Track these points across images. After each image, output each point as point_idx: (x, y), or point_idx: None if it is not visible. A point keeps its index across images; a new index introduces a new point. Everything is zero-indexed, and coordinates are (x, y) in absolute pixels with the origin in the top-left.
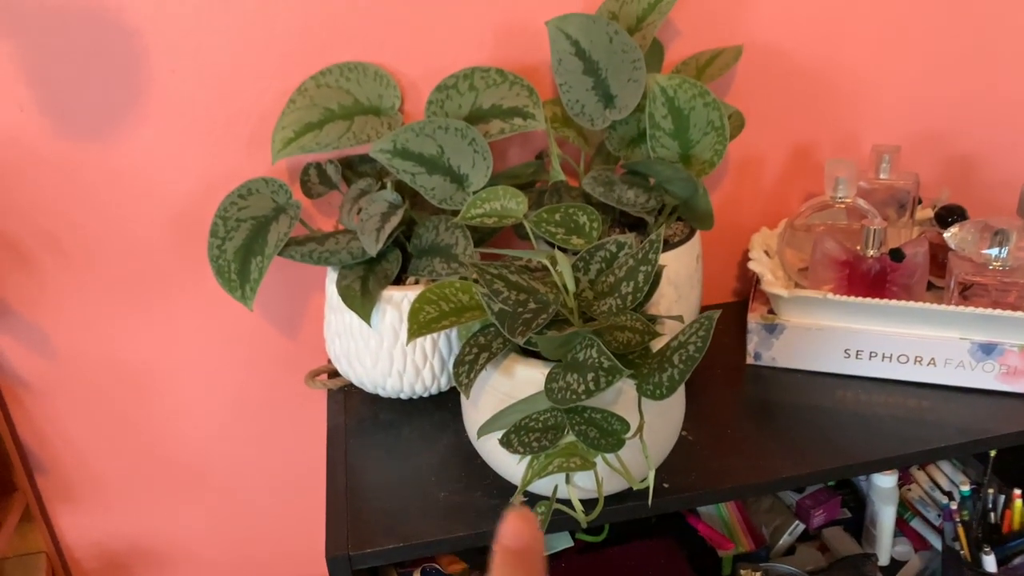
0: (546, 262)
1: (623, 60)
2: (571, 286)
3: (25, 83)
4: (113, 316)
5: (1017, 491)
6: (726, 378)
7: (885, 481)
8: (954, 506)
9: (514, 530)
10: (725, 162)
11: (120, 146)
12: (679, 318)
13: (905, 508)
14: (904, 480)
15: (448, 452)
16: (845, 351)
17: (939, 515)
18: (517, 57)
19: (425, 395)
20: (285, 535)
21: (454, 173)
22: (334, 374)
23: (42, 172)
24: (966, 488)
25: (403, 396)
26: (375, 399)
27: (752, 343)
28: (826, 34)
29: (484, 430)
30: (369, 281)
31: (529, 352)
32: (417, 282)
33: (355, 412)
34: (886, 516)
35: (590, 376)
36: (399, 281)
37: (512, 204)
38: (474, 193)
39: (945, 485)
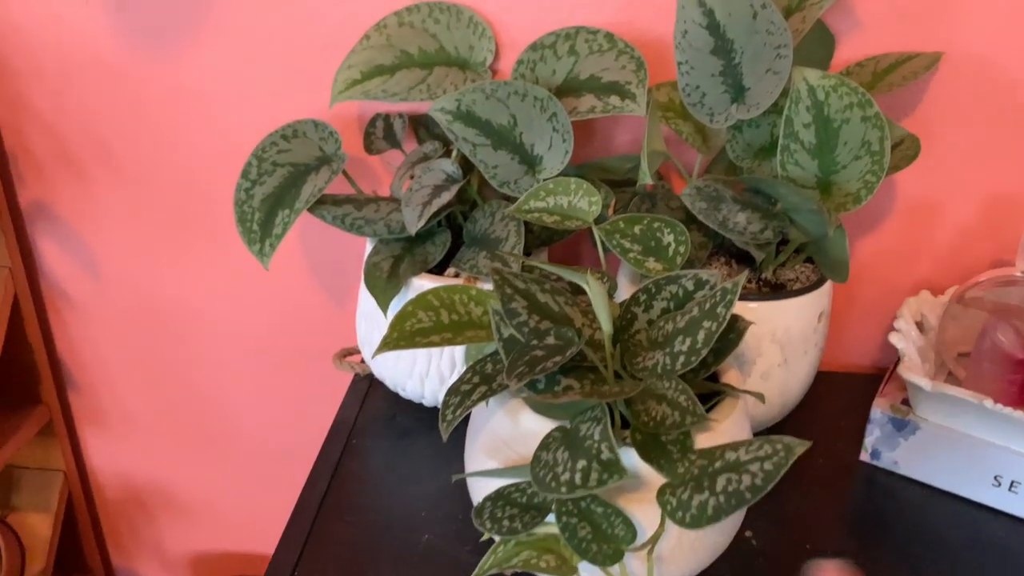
0: (583, 285)
1: (766, 44)
2: (606, 327)
3: None
4: (160, 245)
5: None
6: (828, 472)
7: None
8: None
9: None
10: (890, 197)
11: (184, 60)
12: (759, 396)
13: None
14: None
15: (452, 485)
16: (995, 478)
17: None
18: (643, 25)
19: None
20: None
21: (524, 152)
22: None
23: (101, 74)
24: None
25: (425, 403)
26: (398, 398)
27: (872, 436)
28: None
29: (466, 477)
30: (403, 263)
31: None
32: (457, 275)
33: (372, 408)
34: None
35: (580, 464)
36: (442, 270)
37: (583, 203)
38: (543, 181)
39: None
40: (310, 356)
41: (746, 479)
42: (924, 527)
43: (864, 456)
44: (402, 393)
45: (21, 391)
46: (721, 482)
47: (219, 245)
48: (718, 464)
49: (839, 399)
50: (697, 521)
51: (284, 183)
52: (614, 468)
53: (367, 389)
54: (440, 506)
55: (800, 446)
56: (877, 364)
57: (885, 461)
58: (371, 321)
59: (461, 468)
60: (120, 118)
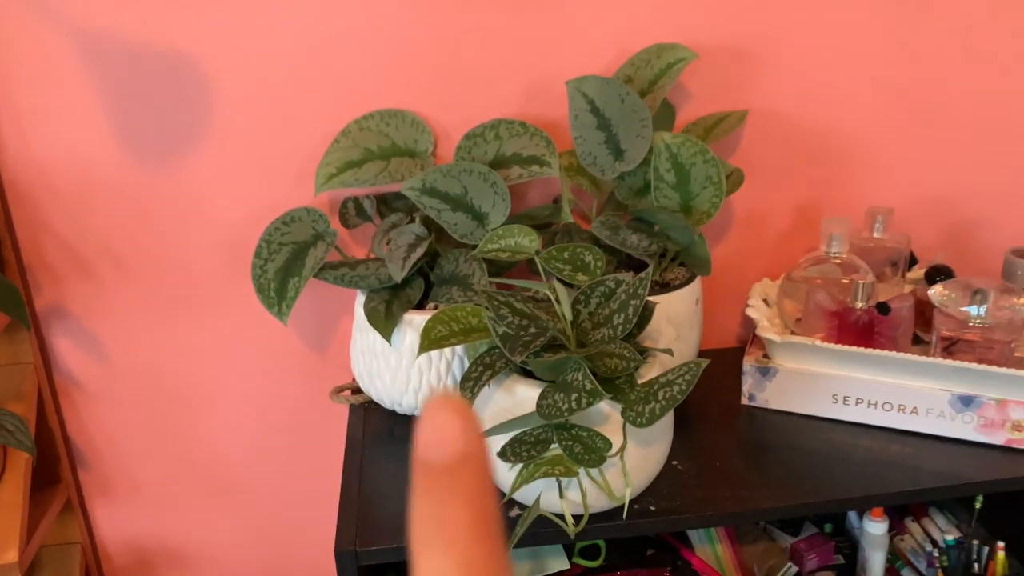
0: (549, 293)
1: (633, 119)
2: (568, 315)
3: (104, 115)
4: (164, 329)
5: (1001, 543)
6: (721, 416)
7: (876, 528)
8: (936, 553)
9: (435, 434)
10: (731, 216)
11: (182, 175)
12: (668, 351)
13: (896, 557)
14: (897, 530)
15: None
16: (833, 396)
17: (928, 566)
18: (540, 112)
19: None
20: (307, 545)
21: (476, 211)
22: (357, 391)
23: (112, 195)
24: (951, 538)
25: (418, 413)
26: (392, 415)
27: (747, 384)
28: (828, 101)
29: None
30: (393, 305)
31: (531, 375)
32: (436, 308)
33: (373, 427)
34: (875, 562)
35: (574, 396)
36: (421, 307)
37: (525, 241)
38: (492, 230)
39: (937, 536)
40: (299, 405)
41: (675, 388)
42: (791, 442)
43: (744, 400)
44: (398, 409)
45: (44, 473)
46: (660, 395)
47: (211, 321)
48: (655, 387)
49: (719, 365)
50: (650, 420)
51: (290, 257)
52: (596, 393)
53: (363, 413)
54: None
55: (704, 362)
56: (740, 339)
57: (759, 401)
58: (368, 355)
59: None
60: (127, 227)
